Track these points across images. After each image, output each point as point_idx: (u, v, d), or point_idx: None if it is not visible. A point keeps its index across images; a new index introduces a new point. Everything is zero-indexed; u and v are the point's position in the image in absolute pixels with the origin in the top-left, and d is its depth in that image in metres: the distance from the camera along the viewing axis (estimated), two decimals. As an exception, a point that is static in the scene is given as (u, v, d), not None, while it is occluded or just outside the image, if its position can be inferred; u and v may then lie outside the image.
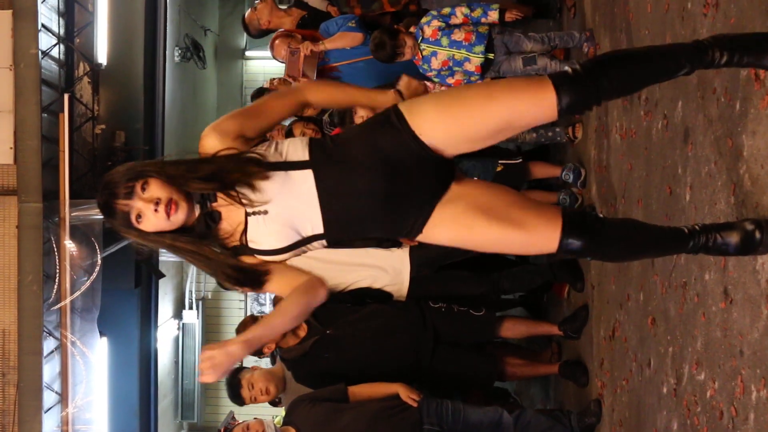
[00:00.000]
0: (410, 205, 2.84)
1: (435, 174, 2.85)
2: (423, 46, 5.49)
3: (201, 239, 2.84)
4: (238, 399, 5.41)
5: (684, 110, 3.69)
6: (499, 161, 5.74)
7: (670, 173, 3.86)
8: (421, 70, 5.61)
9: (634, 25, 4.51)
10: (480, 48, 5.45)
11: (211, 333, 14.79)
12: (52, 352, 7.71)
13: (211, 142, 2.83)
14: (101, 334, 8.82)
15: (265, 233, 2.82)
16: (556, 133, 5.90)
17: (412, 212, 2.85)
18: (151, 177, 2.73)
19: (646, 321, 4.15)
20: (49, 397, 7.62)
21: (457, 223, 2.84)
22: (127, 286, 9.64)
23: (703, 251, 2.90)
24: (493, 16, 5.52)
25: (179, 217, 2.75)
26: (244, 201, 2.77)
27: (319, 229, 2.84)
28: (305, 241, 2.87)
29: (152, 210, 2.71)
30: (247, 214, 2.81)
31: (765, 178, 2.82)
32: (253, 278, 2.89)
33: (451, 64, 5.49)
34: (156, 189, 2.72)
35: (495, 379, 5.71)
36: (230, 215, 2.84)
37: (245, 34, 7.46)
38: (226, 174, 2.76)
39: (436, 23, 5.49)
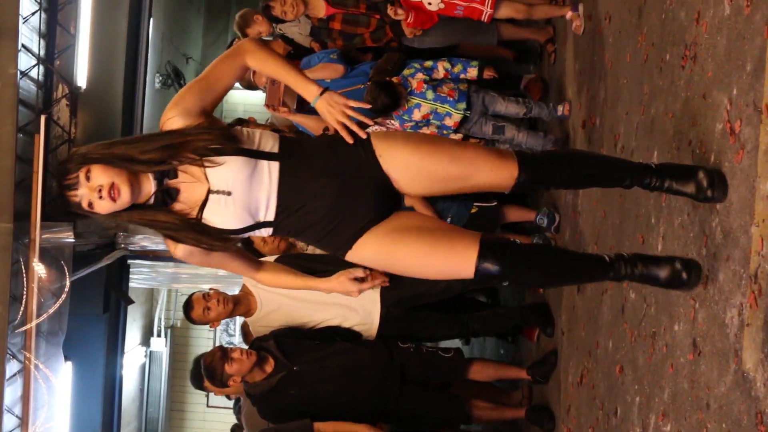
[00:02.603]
0: (350, 219, 3.00)
1: (380, 199, 3.03)
2: (408, 97, 5.52)
3: (156, 212, 2.93)
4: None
5: (659, 160, 3.70)
6: (474, 203, 5.74)
7: (644, 222, 3.86)
8: (397, 120, 5.61)
9: (613, 73, 4.54)
10: (462, 105, 5.49)
11: (179, 362, 14.67)
12: (14, 374, 7.60)
13: (177, 123, 2.93)
14: (66, 358, 8.72)
15: (224, 213, 2.92)
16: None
17: (349, 227, 3.01)
18: (92, 164, 2.82)
19: (615, 369, 4.14)
20: (9, 421, 7.51)
21: (382, 244, 3.01)
22: (95, 311, 9.55)
23: (627, 279, 3.08)
24: (473, 72, 5.58)
25: (123, 199, 2.83)
26: (207, 163, 2.86)
27: (271, 217, 2.98)
28: (256, 226, 3.00)
29: (97, 197, 2.82)
30: (209, 192, 2.90)
31: (737, 232, 2.83)
32: (219, 237, 2.96)
33: (431, 117, 5.51)
34: (98, 175, 2.81)
35: (462, 422, 5.68)
36: (190, 192, 2.93)
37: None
38: (187, 145, 2.85)
39: (421, 75, 5.53)
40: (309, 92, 3.01)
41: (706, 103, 3.14)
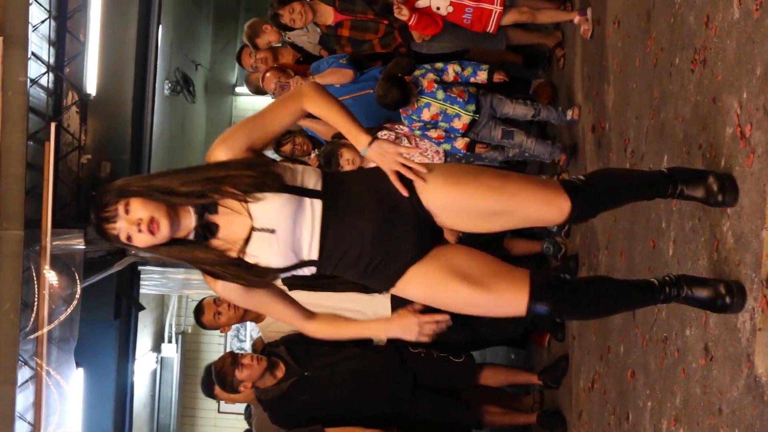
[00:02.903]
0: (393, 257, 2.93)
1: (422, 234, 2.95)
2: (419, 96, 5.52)
3: (195, 247, 2.87)
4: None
5: (669, 164, 3.70)
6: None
7: (654, 227, 3.86)
8: (406, 120, 5.61)
9: (622, 77, 4.53)
10: (472, 107, 5.49)
11: (190, 367, 14.68)
12: (26, 381, 7.62)
13: (222, 158, 2.87)
14: (78, 364, 8.73)
15: (268, 251, 2.86)
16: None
17: (391, 265, 2.95)
18: (131, 197, 2.77)
19: (626, 374, 4.13)
20: (21, 428, 7.52)
21: (430, 282, 2.94)
22: (106, 318, 9.56)
23: (674, 301, 3.01)
24: (482, 76, 5.58)
25: (163, 233, 2.78)
26: (249, 199, 2.80)
27: (315, 255, 2.92)
28: (300, 265, 2.94)
29: (136, 231, 2.76)
30: (252, 229, 2.84)
31: (748, 236, 2.82)
32: (258, 275, 2.90)
33: (440, 119, 5.51)
34: (137, 209, 2.76)
35: (473, 427, 5.67)
36: (231, 229, 2.86)
37: (236, 71, 7.55)
38: (230, 180, 2.80)
39: (431, 75, 5.53)
40: (359, 142, 2.93)
41: (716, 107, 3.14)
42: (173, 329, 14.27)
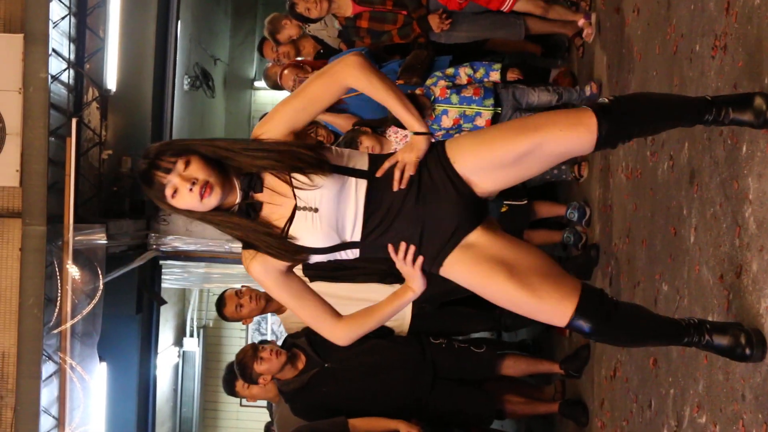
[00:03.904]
0: (437, 234, 2.87)
1: (465, 209, 2.87)
2: (434, 105, 5.52)
3: (236, 216, 2.83)
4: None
5: (690, 152, 3.69)
6: (504, 202, 5.73)
7: (675, 214, 3.85)
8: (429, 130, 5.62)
9: (642, 65, 4.52)
10: (490, 101, 5.48)
11: (211, 361, 14.74)
12: (50, 375, 7.67)
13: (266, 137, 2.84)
14: (101, 359, 8.78)
15: (311, 230, 2.82)
16: (562, 171, 5.90)
17: (437, 242, 2.88)
18: (194, 155, 2.75)
19: (648, 362, 4.12)
20: (46, 422, 7.57)
21: (478, 269, 2.86)
22: (129, 312, 9.60)
23: (696, 347, 2.95)
24: (495, 76, 5.58)
25: (212, 201, 2.76)
26: (296, 184, 2.77)
27: (358, 236, 2.88)
28: (343, 246, 2.89)
29: (188, 189, 2.72)
30: (296, 208, 2.81)
31: (770, 222, 2.81)
32: (298, 251, 2.85)
33: (461, 122, 5.51)
34: (196, 168, 2.73)
35: (494, 417, 5.67)
36: (273, 209, 2.84)
37: (254, 65, 7.56)
38: (291, 154, 2.76)
39: (443, 83, 5.52)
40: (412, 126, 2.87)
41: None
42: (195, 323, 14.32)
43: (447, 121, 5.50)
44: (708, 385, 3.33)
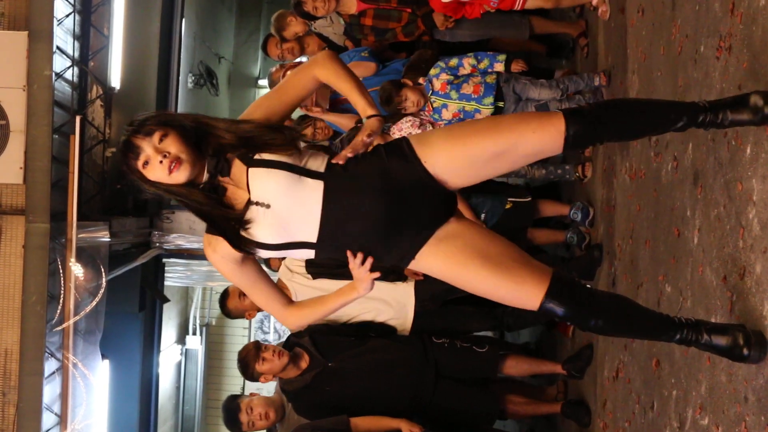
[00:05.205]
0: (407, 231, 2.92)
1: (435, 204, 2.94)
2: (433, 98, 5.52)
3: (197, 191, 2.91)
4: (234, 424, 5.34)
5: (694, 153, 3.68)
6: (508, 199, 5.72)
7: (679, 215, 3.84)
8: (431, 119, 5.62)
9: (646, 66, 4.51)
10: (489, 99, 5.47)
11: (214, 359, 14.76)
12: (53, 373, 7.67)
13: None
14: (103, 356, 8.78)
15: (261, 225, 2.88)
16: (566, 171, 5.89)
17: (407, 238, 2.93)
18: (173, 130, 2.84)
19: (651, 363, 4.12)
20: (48, 419, 7.57)
21: (453, 260, 2.92)
22: (131, 310, 9.60)
23: (691, 346, 2.98)
24: (499, 67, 5.56)
25: (179, 176, 2.84)
26: (251, 174, 2.85)
27: (313, 238, 2.92)
28: (295, 245, 2.94)
29: (158, 161, 2.81)
30: (249, 202, 2.88)
31: (774, 224, 2.80)
32: (246, 243, 2.91)
33: (461, 116, 5.50)
34: (171, 143, 2.82)
35: (497, 417, 5.67)
36: (236, 196, 2.92)
37: (258, 63, 7.55)
38: (268, 129, 2.88)
39: (444, 76, 5.51)
40: (365, 110, 2.94)
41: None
42: (197, 321, 14.34)
43: (447, 114, 5.50)
44: (711, 387, 3.32)
